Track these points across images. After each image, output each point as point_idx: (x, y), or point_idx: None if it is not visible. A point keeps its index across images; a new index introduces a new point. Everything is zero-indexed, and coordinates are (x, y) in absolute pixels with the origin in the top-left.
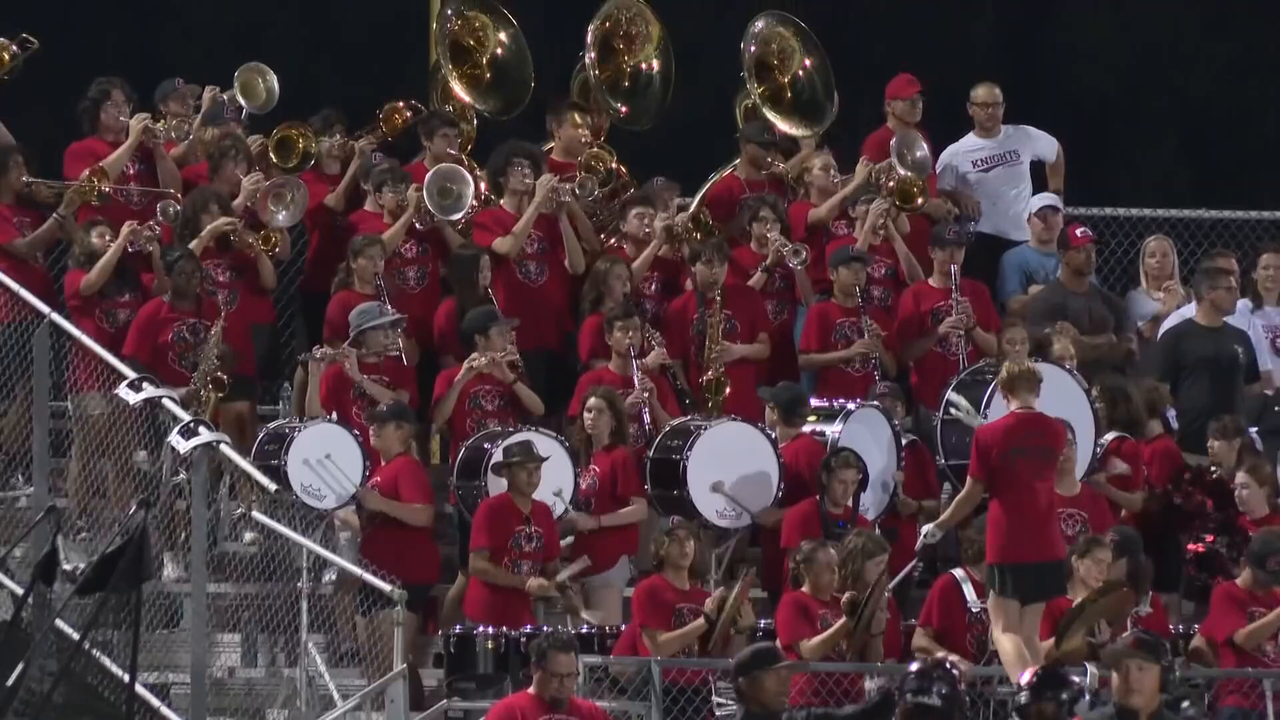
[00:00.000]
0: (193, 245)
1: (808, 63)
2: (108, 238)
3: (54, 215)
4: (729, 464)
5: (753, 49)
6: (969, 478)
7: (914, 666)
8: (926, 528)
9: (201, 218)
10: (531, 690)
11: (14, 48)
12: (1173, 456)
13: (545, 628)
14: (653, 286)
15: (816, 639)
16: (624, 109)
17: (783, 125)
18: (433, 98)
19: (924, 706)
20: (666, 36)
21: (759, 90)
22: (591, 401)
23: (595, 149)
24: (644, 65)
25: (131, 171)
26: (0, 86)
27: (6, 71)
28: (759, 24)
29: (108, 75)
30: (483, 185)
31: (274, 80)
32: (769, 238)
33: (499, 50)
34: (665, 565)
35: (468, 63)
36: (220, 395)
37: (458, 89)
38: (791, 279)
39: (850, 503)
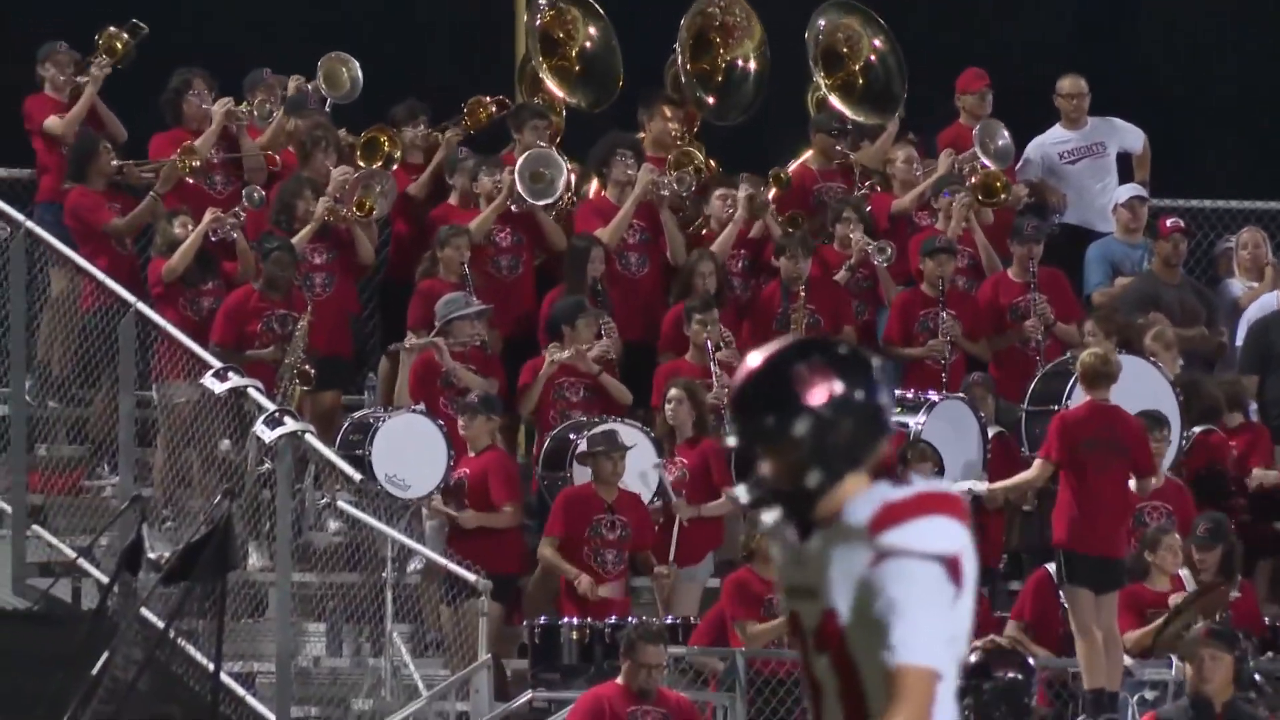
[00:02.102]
0: (297, 238)
1: (877, 43)
2: (190, 226)
3: (150, 194)
4: None
5: (819, 39)
6: (1039, 458)
7: (977, 655)
8: (976, 485)
9: (296, 204)
10: (619, 680)
11: (125, 35)
12: (1265, 441)
13: (632, 618)
14: (739, 264)
15: None
16: (712, 101)
17: (854, 115)
18: (520, 90)
19: (1013, 682)
20: (765, 37)
21: (829, 81)
22: (672, 393)
23: (684, 153)
24: (740, 61)
25: (215, 159)
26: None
27: (120, 59)
28: (821, 20)
29: (189, 67)
30: (573, 177)
31: (358, 69)
32: (853, 238)
33: (588, 43)
34: (755, 556)
35: (557, 55)
36: (306, 389)
37: (548, 81)
38: (875, 278)
39: None
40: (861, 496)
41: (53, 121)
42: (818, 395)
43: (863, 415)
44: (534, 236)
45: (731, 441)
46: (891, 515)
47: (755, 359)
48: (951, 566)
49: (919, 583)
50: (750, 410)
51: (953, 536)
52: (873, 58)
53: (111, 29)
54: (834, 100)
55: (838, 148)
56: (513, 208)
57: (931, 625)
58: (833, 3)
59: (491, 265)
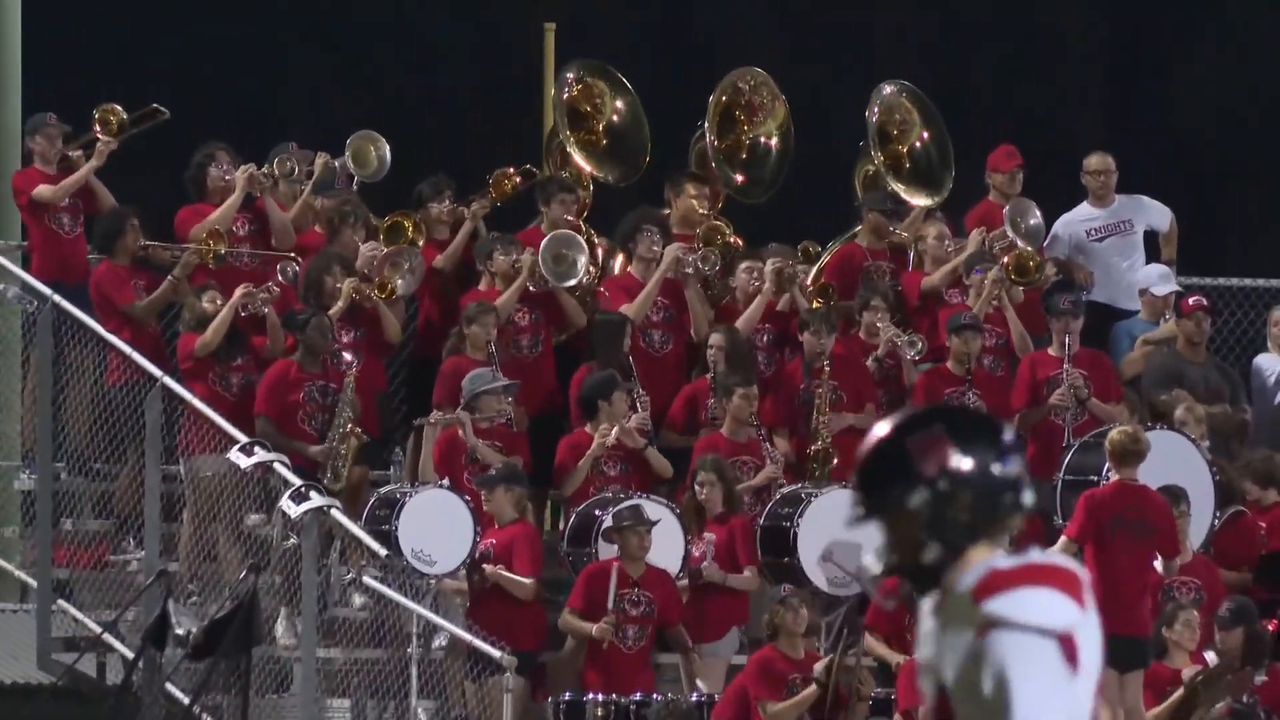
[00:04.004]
0: (333, 311)
1: (925, 135)
2: (219, 302)
3: (169, 277)
4: (839, 532)
5: (876, 115)
6: (1064, 536)
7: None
8: None
9: (325, 279)
10: None
11: (124, 116)
12: None
13: (657, 696)
14: (764, 338)
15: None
16: (740, 179)
17: (904, 194)
18: (547, 164)
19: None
20: (789, 116)
21: (880, 160)
22: (702, 475)
23: (713, 220)
24: (763, 139)
25: (242, 233)
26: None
27: (122, 138)
28: (886, 89)
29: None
30: (598, 252)
31: (386, 149)
32: (879, 328)
33: (615, 118)
34: (779, 634)
35: (584, 129)
36: (360, 444)
37: (575, 155)
38: (900, 366)
39: None
40: (975, 566)
41: (41, 189)
42: (934, 467)
43: (985, 488)
44: (553, 315)
45: (857, 512)
46: (996, 583)
47: (883, 428)
48: (1064, 644)
49: (1028, 658)
50: (869, 482)
51: (1061, 611)
52: (918, 144)
53: (110, 106)
54: (888, 179)
55: (890, 228)
56: (531, 287)
57: (1043, 705)
58: (895, 81)
59: (512, 345)
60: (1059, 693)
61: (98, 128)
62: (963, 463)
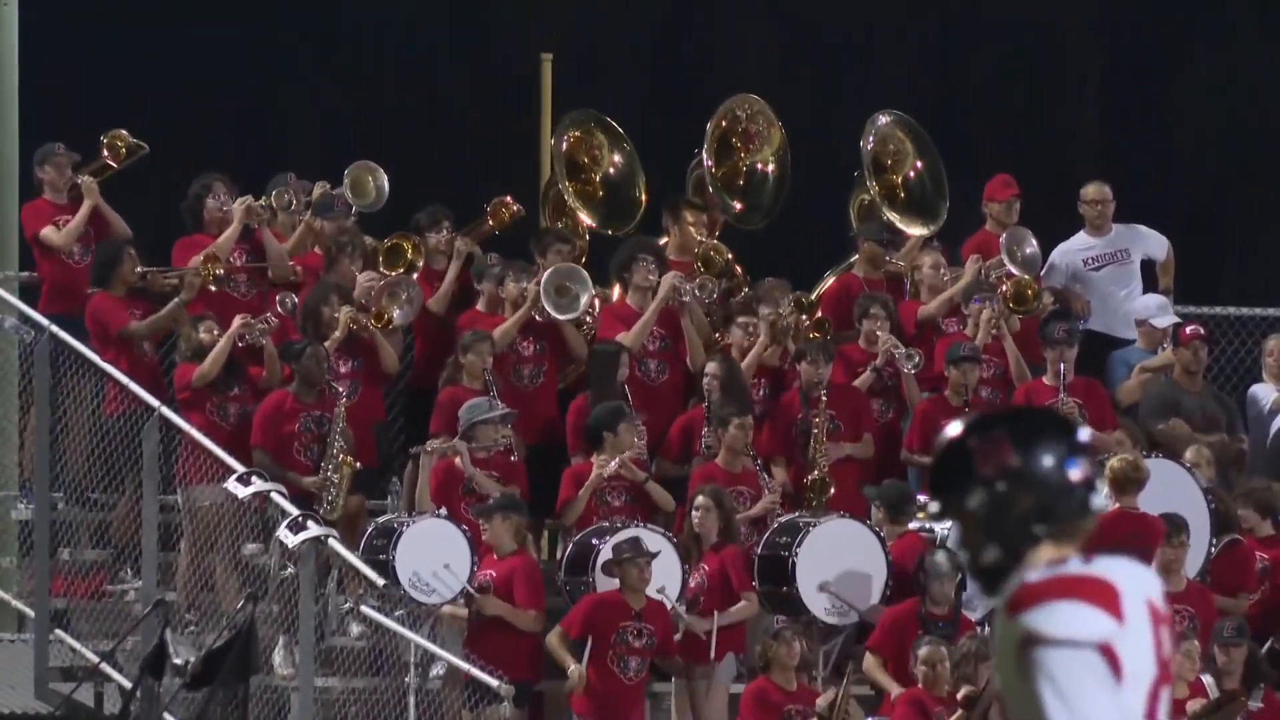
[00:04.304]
0: (328, 342)
1: (919, 164)
2: (216, 332)
3: (174, 301)
4: (837, 561)
5: (871, 145)
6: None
7: None
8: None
9: (322, 310)
10: None
11: (128, 143)
12: None
13: None
14: (761, 392)
15: None
16: (739, 206)
17: (900, 223)
18: (543, 213)
19: None
20: (786, 142)
21: (875, 189)
22: (699, 500)
23: (711, 248)
24: (760, 165)
25: (238, 263)
26: (112, 181)
27: (122, 165)
28: (882, 119)
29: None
30: (595, 302)
31: (384, 179)
32: (879, 336)
33: (611, 169)
34: (772, 666)
35: (580, 179)
36: (353, 472)
37: (574, 205)
38: (899, 378)
39: (952, 602)
40: (1013, 578)
41: (49, 233)
42: (993, 468)
43: (1047, 490)
44: (556, 346)
45: (933, 510)
46: (1027, 596)
47: (954, 428)
48: (1104, 654)
49: (1067, 673)
50: (937, 482)
51: (1093, 623)
52: (911, 174)
53: (119, 131)
54: (884, 209)
55: (887, 258)
56: (536, 317)
57: (1089, 718)
58: (891, 111)
59: (514, 374)
60: (1102, 704)
61: (105, 153)
62: (1024, 464)
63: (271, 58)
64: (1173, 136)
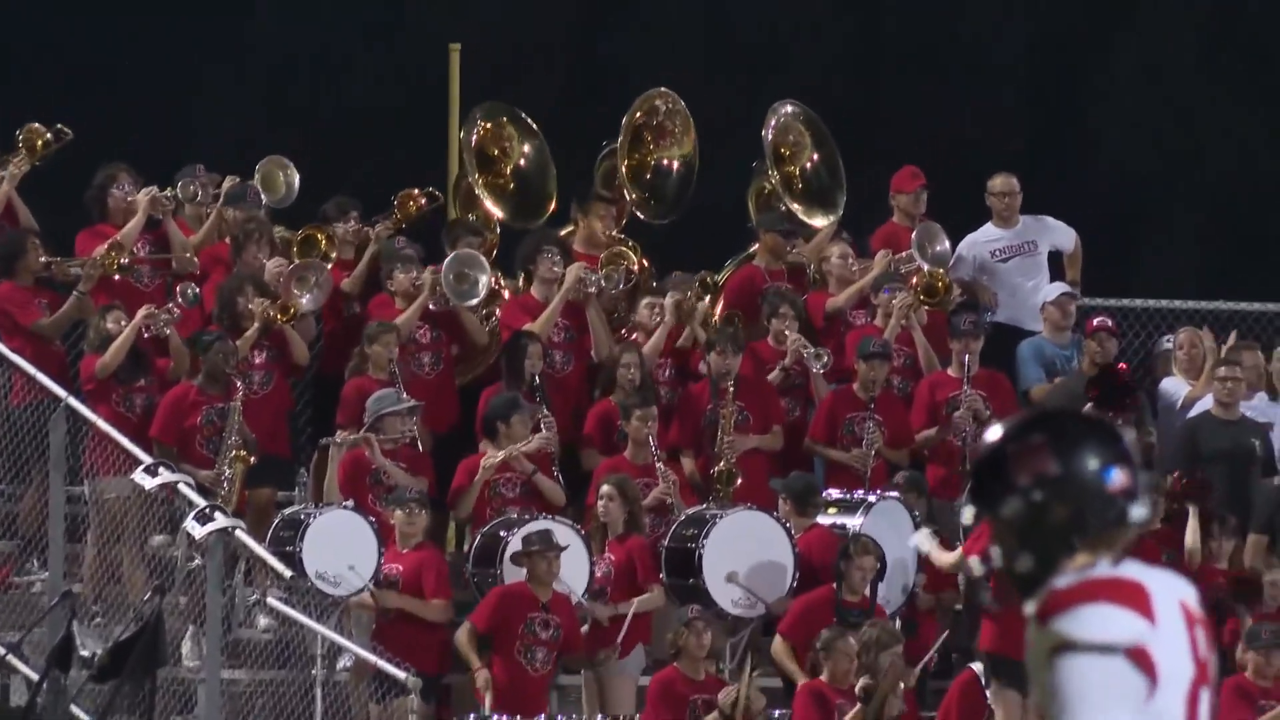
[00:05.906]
0: (242, 340)
1: (816, 156)
2: (123, 322)
3: (75, 293)
4: (744, 553)
5: (771, 135)
6: (964, 554)
7: None
8: (924, 544)
9: (237, 300)
10: None
11: (48, 135)
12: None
13: (561, 718)
14: (666, 373)
15: None
16: (642, 196)
17: (801, 213)
18: (454, 205)
19: None
20: (696, 150)
21: (776, 179)
22: (604, 489)
23: (618, 241)
24: (666, 161)
25: (143, 254)
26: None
27: (39, 159)
28: (786, 109)
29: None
30: (504, 294)
31: (295, 175)
32: (788, 335)
33: (522, 161)
34: (681, 655)
35: (491, 171)
36: (246, 466)
37: (483, 198)
38: (808, 376)
39: (868, 592)
40: (1045, 585)
41: None
42: (1029, 476)
43: (1084, 499)
44: (454, 333)
45: (968, 514)
46: (1056, 602)
47: (995, 432)
48: (1136, 658)
49: (1095, 679)
50: (975, 487)
51: (1123, 626)
52: (808, 165)
53: (35, 125)
54: (785, 198)
55: (790, 248)
56: (432, 305)
57: None
58: (793, 101)
59: (413, 362)
60: (1132, 709)
61: (22, 149)
62: (1062, 473)
63: (182, 46)
64: (1084, 128)
